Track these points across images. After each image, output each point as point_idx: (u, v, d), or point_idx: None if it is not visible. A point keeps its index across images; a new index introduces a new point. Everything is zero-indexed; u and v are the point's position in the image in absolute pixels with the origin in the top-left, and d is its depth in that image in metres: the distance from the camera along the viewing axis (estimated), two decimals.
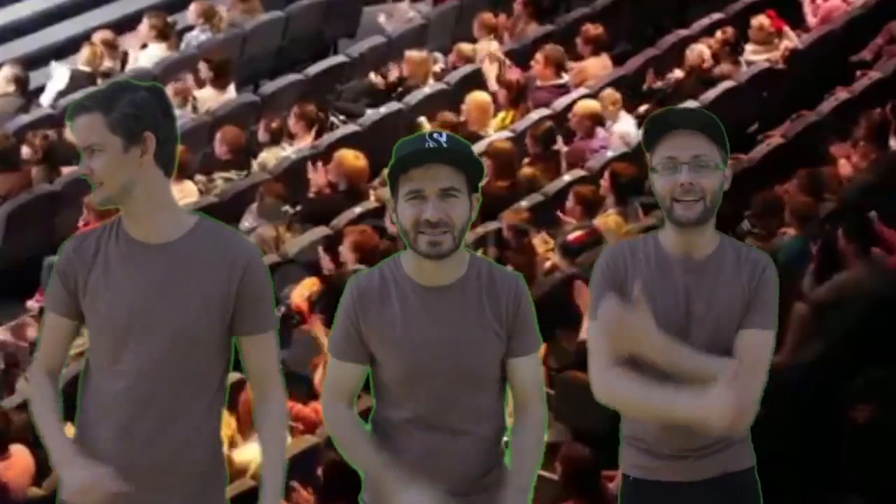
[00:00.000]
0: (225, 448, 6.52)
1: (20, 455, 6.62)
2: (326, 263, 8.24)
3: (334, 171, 9.41)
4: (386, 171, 3.45)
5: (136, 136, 3.30)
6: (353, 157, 9.37)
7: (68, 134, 10.27)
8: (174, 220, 3.37)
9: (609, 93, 10.18)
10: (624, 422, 3.70)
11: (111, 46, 11.61)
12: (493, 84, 10.83)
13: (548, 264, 8.16)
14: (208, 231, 3.38)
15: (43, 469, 6.38)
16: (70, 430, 3.45)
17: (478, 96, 10.34)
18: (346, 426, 3.45)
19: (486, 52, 11.30)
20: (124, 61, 11.66)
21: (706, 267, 3.54)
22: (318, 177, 9.33)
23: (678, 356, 3.41)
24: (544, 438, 3.47)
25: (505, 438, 3.54)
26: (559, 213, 8.54)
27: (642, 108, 10.19)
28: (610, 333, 3.41)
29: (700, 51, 10.95)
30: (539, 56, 10.97)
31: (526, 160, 9.63)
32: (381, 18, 12.74)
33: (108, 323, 3.33)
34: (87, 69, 11.25)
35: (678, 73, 10.85)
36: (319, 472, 6.20)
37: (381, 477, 3.38)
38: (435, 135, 3.37)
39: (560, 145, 9.85)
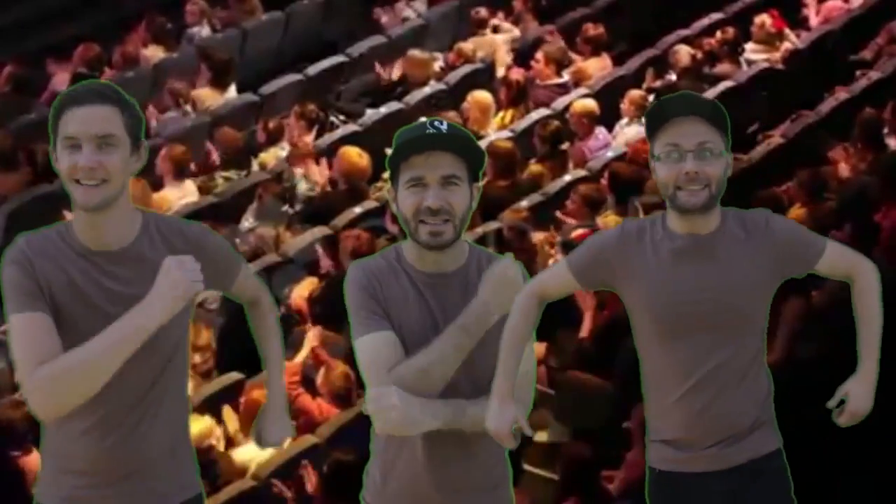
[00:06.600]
0: (224, 447, 6.58)
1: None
2: (325, 263, 8.24)
3: (336, 166, 9.42)
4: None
5: (138, 142, 3.23)
6: (355, 155, 9.35)
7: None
8: (130, 223, 3.27)
9: (636, 93, 10.18)
10: (649, 423, 3.66)
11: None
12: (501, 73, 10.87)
13: (550, 262, 8.16)
14: (155, 223, 3.30)
15: None
16: None
17: (480, 95, 10.33)
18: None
19: (491, 46, 11.34)
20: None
21: (714, 242, 3.52)
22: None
23: None
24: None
25: None
26: (559, 214, 8.53)
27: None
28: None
29: (686, 51, 10.96)
30: (539, 54, 10.98)
31: (533, 160, 9.64)
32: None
33: (85, 338, 3.14)
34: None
35: (673, 77, 10.85)
36: (322, 471, 6.19)
37: (461, 418, 3.32)
38: (436, 122, 3.33)
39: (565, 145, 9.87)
